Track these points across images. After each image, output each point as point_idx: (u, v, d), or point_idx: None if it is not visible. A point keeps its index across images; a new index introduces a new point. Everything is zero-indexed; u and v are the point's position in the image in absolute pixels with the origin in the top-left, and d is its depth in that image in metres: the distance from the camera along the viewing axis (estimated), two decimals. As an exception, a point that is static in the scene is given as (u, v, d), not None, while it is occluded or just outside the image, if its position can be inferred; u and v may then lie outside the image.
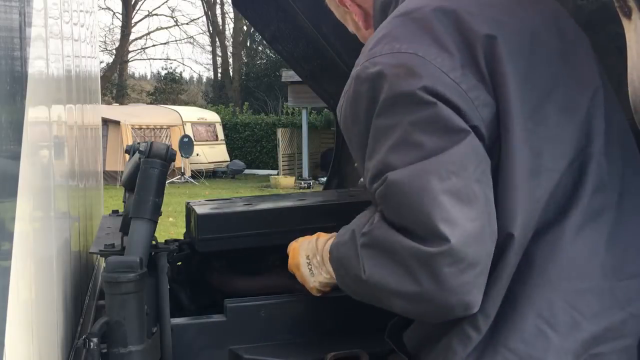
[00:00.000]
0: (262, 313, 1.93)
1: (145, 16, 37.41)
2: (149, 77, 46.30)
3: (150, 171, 1.71)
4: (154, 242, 1.77)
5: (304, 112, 20.48)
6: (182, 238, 2.43)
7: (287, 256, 1.96)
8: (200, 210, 2.18)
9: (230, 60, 36.54)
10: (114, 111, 21.15)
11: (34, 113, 1.29)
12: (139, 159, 1.78)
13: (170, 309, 1.86)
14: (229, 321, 1.90)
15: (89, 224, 3.01)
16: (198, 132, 22.12)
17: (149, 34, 38.80)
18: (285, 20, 3.44)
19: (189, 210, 2.32)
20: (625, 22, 1.75)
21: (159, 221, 1.81)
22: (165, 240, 1.96)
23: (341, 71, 3.33)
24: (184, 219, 2.49)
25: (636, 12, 1.69)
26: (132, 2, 35.33)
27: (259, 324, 1.92)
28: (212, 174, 22.21)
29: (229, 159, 23.09)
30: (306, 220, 2.21)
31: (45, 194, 1.44)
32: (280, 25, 3.54)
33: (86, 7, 3.78)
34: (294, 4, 2.75)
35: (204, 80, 46.81)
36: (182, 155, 19.77)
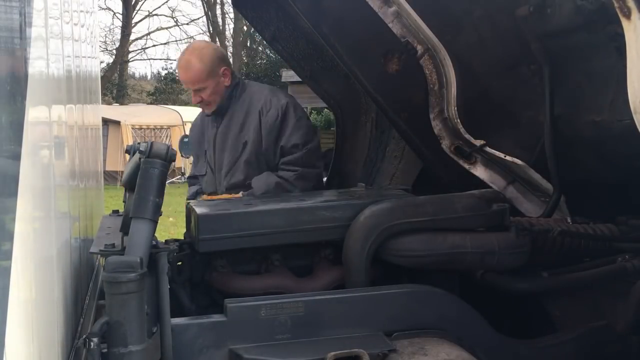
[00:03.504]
0: (262, 313, 1.93)
1: (146, 16, 37.34)
2: (149, 77, 46.25)
3: (150, 171, 1.71)
4: (154, 242, 1.77)
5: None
6: (182, 238, 2.43)
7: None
8: (200, 210, 2.19)
9: (231, 60, 36.50)
10: (114, 111, 21.13)
11: (34, 113, 1.29)
12: (139, 159, 1.78)
13: (171, 309, 1.86)
14: (229, 321, 1.91)
15: (89, 224, 3.01)
16: (198, 132, 22.12)
17: (149, 34, 38.69)
18: (285, 20, 3.44)
19: (189, 210, 2.33)
20: (625, 22, 1.76)
21: (159, 221, 1.81)
22: (166, 240, 1.96)
23: (341, 71, 3.34)
24: (184, 219, 2.49)
25: (636, 12, 1.70)
26: (133, 3, 35.28)
27: (259, 324, 1.92)
28: (212, 174, 22.19)
29: (229, 159, 23.06)
30: (307, 220, 2.21)
31: (45, 194, 1.45)
32: (280, 25, 3.54)
33: (86, 7, 3.78)
34: (293, 4, 2.75)
35: (204, 80, 46.66)
36: (182, 155, 19.56)
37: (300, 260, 2.34)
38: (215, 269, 2.24)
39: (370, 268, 2.17)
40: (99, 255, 1.93)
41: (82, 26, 3.32)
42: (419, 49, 2.81)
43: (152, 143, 1.75)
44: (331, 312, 1.97)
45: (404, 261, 2.22)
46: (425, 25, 2.77)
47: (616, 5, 1.72)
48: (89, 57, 3.79)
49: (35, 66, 1.36)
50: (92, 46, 4.39)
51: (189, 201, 2.45)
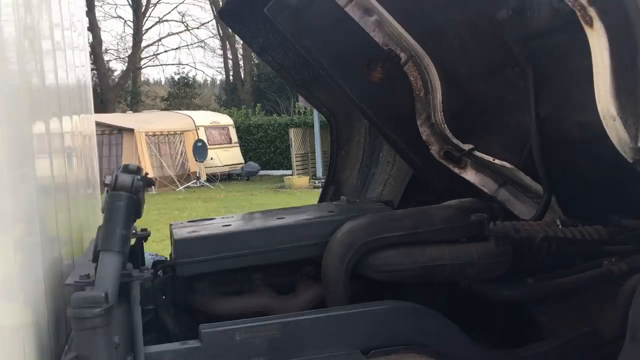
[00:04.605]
0: (237, 337, 1.94)
1: (156, 22, 37.73)
2: (163, 82, 46.64)
3: (116, 204, 1.72)
4: (126, 271, 1.78)
5: (315, 111, 20.44)
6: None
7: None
8: (178, 234, 2.20)
9: (241, 62, 36.62)
10: (128, 119, 21.31)
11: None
12: (106, 191, 1.79)
13: (157, 334, 1.88)
14: (205, 347, 1.91)
15: (79, 237, 2.99)
16: (212, 135, 22.19)
17: (160, 40, 39.05)
18: (274, 32, 3.44)
19: (171, 232, 2.35)
20: (588, 30, 1.74)
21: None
22: (140, 268, 1.97)
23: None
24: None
25: (597, 20, 1.68)
26: (143, 10, 35.54)
27: (234, 348, 1.93)
28: (227, 177, 22.30)
29: (243, 161, 23.14)
30: (284, 239, 2.22)
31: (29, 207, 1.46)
32: (269, 36, 3.55)
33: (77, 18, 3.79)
34: (274, 19, 2.75)
35: (217, 83, 47.04)
36: (196, 160, 19.87)
37: (281, 279, 2.35)
38: (197, 291, 2.26)
39: (349, 285, 2.16)
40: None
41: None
42: (402, 56, 2.81)
43: (117, 175, 1.76)
44: (307, 332, 1.98)
45: (382, 276, 2.21)
46: (407, 33, 2.76)
47: (578, 14, 1.71)
48: (80, 66, 3.79)
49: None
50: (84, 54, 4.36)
51: (171, 223, 2.46)
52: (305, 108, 24.08)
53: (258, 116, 26.90)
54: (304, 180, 19.62)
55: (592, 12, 1.66)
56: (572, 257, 2.41)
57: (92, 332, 1.53)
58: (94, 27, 29.86)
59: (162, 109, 30.81)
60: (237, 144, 23.58)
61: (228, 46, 37.08)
